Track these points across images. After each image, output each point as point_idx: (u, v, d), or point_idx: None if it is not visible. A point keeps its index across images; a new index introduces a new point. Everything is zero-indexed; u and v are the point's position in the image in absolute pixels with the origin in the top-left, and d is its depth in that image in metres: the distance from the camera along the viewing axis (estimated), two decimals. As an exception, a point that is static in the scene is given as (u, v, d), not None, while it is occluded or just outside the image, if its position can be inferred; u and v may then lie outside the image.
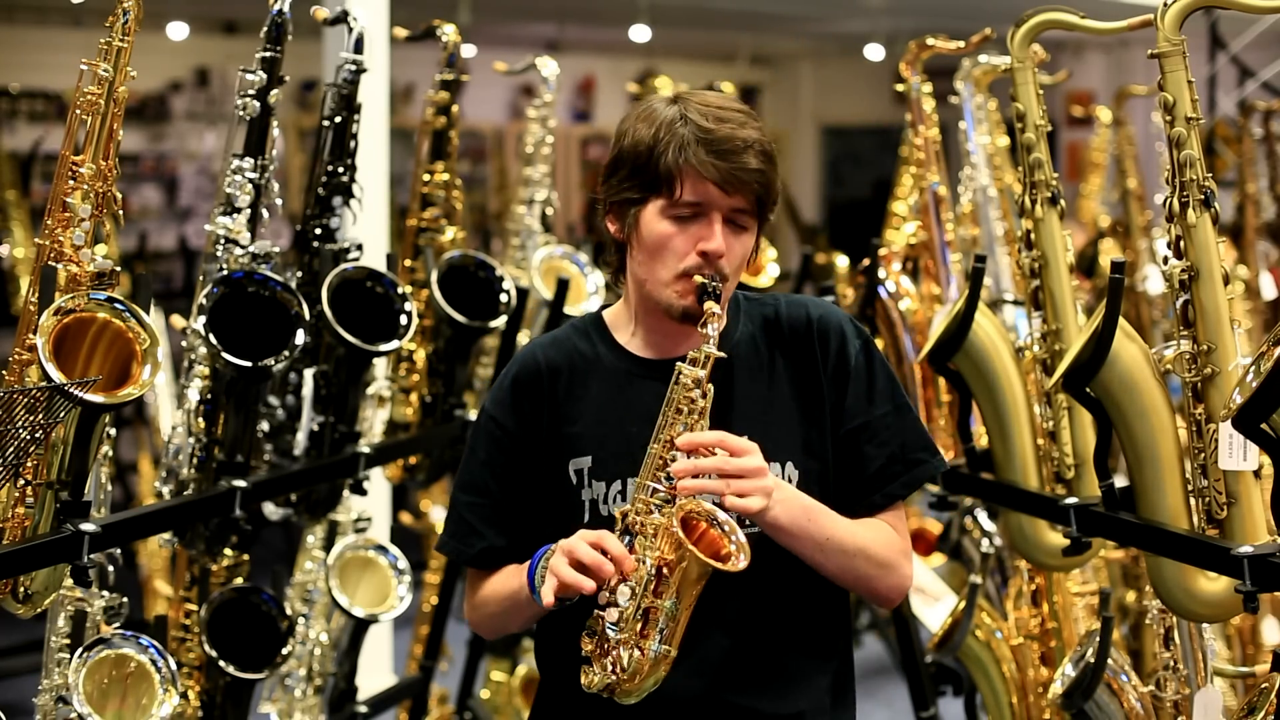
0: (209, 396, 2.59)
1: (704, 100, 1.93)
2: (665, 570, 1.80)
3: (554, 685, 2.05)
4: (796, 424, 1.97)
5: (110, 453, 2.46)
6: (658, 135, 1.91)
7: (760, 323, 2.03)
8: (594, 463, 1.96)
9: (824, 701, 2.00)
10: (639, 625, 1.80)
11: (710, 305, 1.88)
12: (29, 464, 2.10)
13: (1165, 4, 2.15)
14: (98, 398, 2.03)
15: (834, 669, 2.03)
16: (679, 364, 1.88)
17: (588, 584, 1.79)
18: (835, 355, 2.00)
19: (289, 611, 2.89)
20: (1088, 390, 2.23)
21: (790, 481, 1.95)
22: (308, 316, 2.58)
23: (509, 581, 1.99)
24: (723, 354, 1.88)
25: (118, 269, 2.27)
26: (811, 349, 2.00)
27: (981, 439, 2.68)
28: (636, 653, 1.80)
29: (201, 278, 2.64)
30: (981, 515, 3.33)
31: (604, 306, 2.11)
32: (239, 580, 2.89)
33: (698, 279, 1.90)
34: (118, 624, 2.45)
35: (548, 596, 1.82)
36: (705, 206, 1.90)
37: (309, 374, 2.86)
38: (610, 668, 1.81)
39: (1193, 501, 2.20)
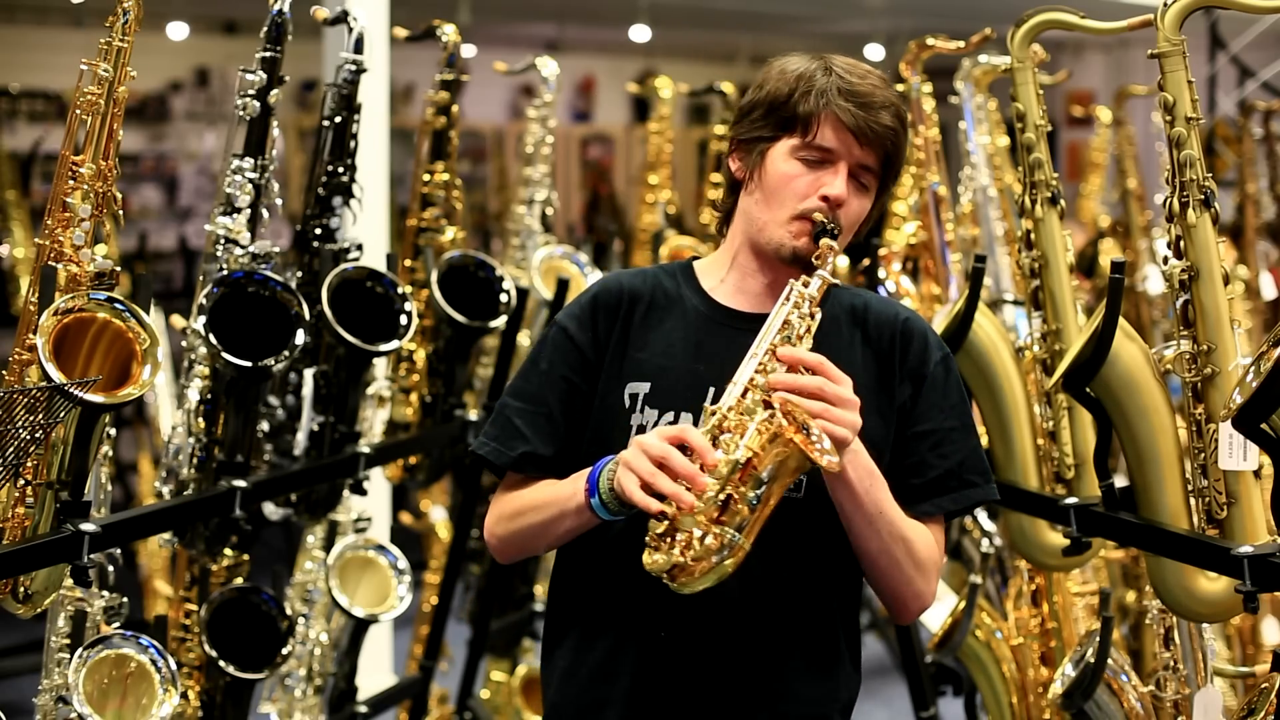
0: (209, 396, 2.59)
1: (848, 61, 1.98)
2: (754, 461, 1.74)
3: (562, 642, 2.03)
4: (866, 411, 1.93)
5: (110, 453, 2.46)
6: (800, 78, 1.95)
7: (848, 309, 2.03)
8: (651, 389, 1.95)
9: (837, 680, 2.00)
10: (716, 511, 1.73)
11: (826, 242, 1.90)
12: (29, 464, 2.10)
13: (1165, 4, 2.15)
14: (98, 398, 2.03)
15: (838, 641, 2.02)
16: (792, 281, 1.89)
17: (671, 487, 1.72)
18: (915, 357, 2.00)
19: (289, 611, 2.89)
20: (1088, 390, 2.23)
21: None
22: (308, 316, 2.58)
23: (558, 489, 1.92)
24: (836, 280, 1.90)
25: (118, 269, 2.27)
26: (893, 345, 2.00)
27: (982, 439, 2.68)
28: (710, 539, 1.73)
29: (201, 278, 2.64)
30: (981, 515, 3.33)
31: (695, 257, 2.11)
32: (239, 580, 2.89)
33: (816, 217, 1.92)
34: (118, 624, 2.45)
35: (636, 495, 1.74)
36: (835, 154, 1.93)
37: (309, 374, 2.86)
38: (679, 549, 1.74)
39: (1193, 501, 2.20)
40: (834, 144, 1.93)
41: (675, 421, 1.92)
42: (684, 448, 1.77)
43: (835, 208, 1.93)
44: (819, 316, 1.88)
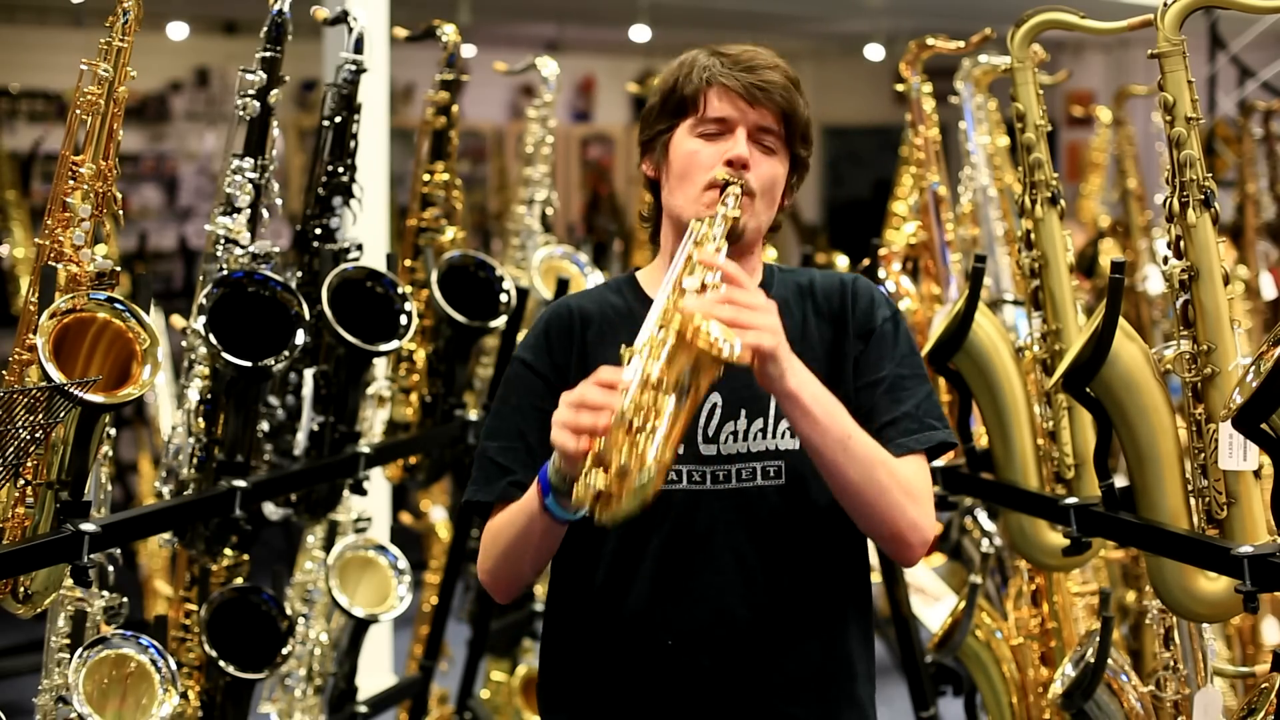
0: (209, 396, 2.59)
1: (734, 45, 2.01)
2: (663, 375, 1.70)
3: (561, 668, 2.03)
4: (828, 381, 1.91)
5: (110, 453, 2.45)
6: (683, 64, 2.00)
7: (794, 289, 2.04)
8: None
9: (850, 663, 2.00)
10: (632, 423, 1.67)
11: (731, 188, 1.91)
12: (29, 464, 2.10)
13: (1165, 4, 2.15)
14: (98, 398, 2.03)
15: (855, 628, 2.02)
16: (692, 220, 1.91)
17: (598, 420, 1.68)
18: (863, 314, 2.01)
19: (289, 611, 2.88)
20: (1088, 390, 2.23)
21: None
22: (308, 316, 2.58)
23: (524, 499, 1.90)
24: (737, 213, 1.90)
25: (118, 269, 2.27)
26: (843, 309, 2.02)
27: (981, 439, 2.68)
28: (630, 452, 1.67)
29: (201, 278, 2.64)
30: (981, 515, 3.33)
31: (637, 269, 2.12)
32: (239, 580, 2.89)
33: (719, 175, 1.93)
34: (118, 624, 2.45)
35: (569, 444, 1.70)
36: (730, 120, 1.95)
37: (309, 374, 2.86)
38: (599, 473, 1.67)
39: (1193, 501, 2.20)
40: (726, 111, 1.96)
41: None
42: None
43: (741, 168, 1.94)
44: (725, 247, 1.87)
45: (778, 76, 1.97)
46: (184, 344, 2.64)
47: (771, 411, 1.94)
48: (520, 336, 3.32)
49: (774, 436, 1.94)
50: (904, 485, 1.89)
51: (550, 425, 1.82)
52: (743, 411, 1.94)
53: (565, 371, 2.00)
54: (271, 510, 2.96)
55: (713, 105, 1.96)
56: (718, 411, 1.94)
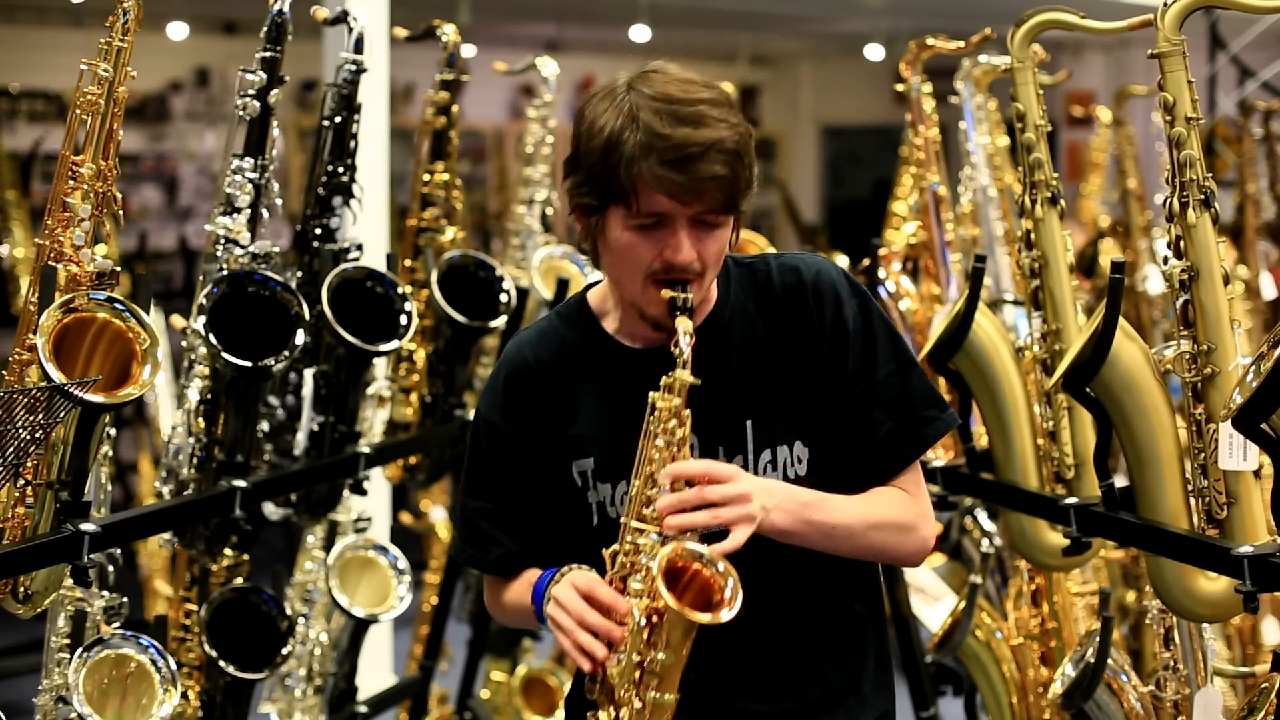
0: (209, 396, 2.59)
1: (661, 92, 1.79)
2: (655, 619, 1.74)
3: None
4: (801, 399, 1.92)
5: (110, 453, 2.45)
6: (610, 142, 1.78)
7: (753, 292, 1.96)
8: (596, 464, 1.93)
9: (860, 685, 2.00)
10: (636, 675, 1.76)
11: (682, 323, 1.80)
12: (29, 464, 2.10)
13: (1165, 4, 2.15)
14: (98, 398, 2.03)
15: (869, 650, 2.01)
16: (652, 394, 1.81)
17: (600, 651, 1.76)
18: (832, 319, 1.92)
19: (289, 611, 2.89)
20: (1088, 390, 2.23)
21: (799, 461, 1.91)
22: (308, 316, 2.58)
23: (524, 596, 1.95)
24: (696, 380, 1.79)
25: (118, 269, 2.27)
26: (807, 315, 1.93)
27: (981, 439, 2.68)
28: (637, 703, 1.77)
29: (201, 278, 2.64)
30: (981, 515, 3.33)
31: (591, 285, 2.04)
32: (239, 580, 2.89)
33: (665, 294, 1.82)
34: (118, 624, 2.45)
35: (573, 654, 1.79)
36: (667, 215, 1.81)
37: (309, 374, 2.86)
38: (615, 714, 1.79)
39: (1193, 501, 2.20)
40: (661, 209, 1.80)
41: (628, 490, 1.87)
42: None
43: (683, 267, 1.82)
44: (688, 417, 1.81)
45: (717, 166, 1.77)
46: (184, 344, 2.64)
47: (750, 445, 1.91)
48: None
49: (758, 472, 1.91)
50: (897, 524, 1.92)
51: (520, 482, 1.96)
52: (720, 450, 1.91)
53: (532, 428, 1.96)
54: (271, 510, 2.96)
55: (646, 202, 1.79)
56: (695, 451, 1.88)
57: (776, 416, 1.90)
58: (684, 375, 1.79)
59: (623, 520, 1.83)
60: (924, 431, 1.96)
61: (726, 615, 1.71)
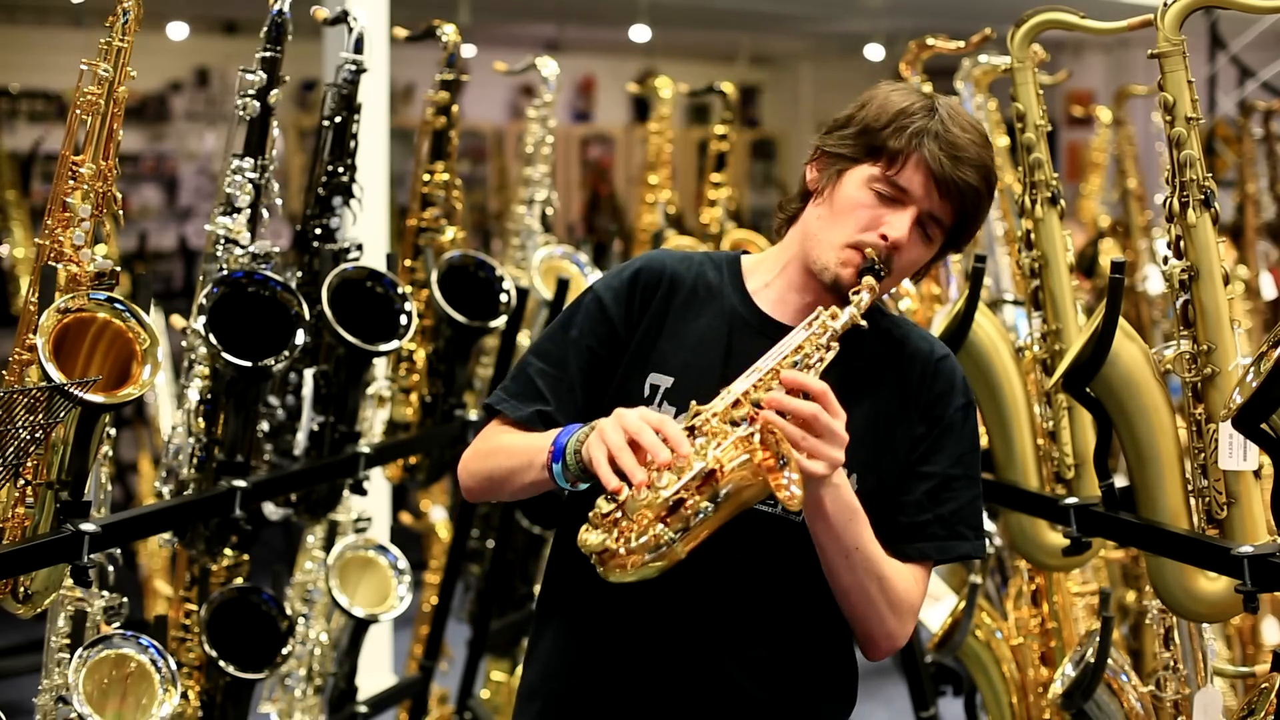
0: (209, 396, 2.59)
1: (954, 107, 1.93)
2: (717, 474, 1.71)
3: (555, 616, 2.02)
4: (879, 443, 1.93)
5: (110, 453, 2.45)
6: (901, 112, 1.89)
7: (885, 336, 1.99)
8: (674, 385, 1.92)
9: (826, 691, 1.99)
10: (665, 510, 1.70)
11: (869, 280, 1.85)
12: (29, 464, 2.10)
13: (1165, 4, 2.15)
14: (98, 398, 2.03)
15: (838, 674, 2.01)
16: (820, 309, 1.85)
17: (639, 473, 1.70)
18: (937, 396, 1.96)
19: (289, 611, 2.89)
20: (1088, 390, 2.23)
21: None
22: (308, 316, 2.58)
23: (533, 439, 1.90)
24: (864, 322, 1.84)
25: (118, 269, 2.26)
26: (921, 382, 1.96)
27: (982, 439, 2.68)
28: (647, 535, 1.70)
29: (201, 278, 2.64)
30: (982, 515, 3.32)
31: (744, 252, 2.07)
32: (239, 580, 2.89)
33: (868, 252, 1.87)
34: (118, 624, 2.45)
35: (602, 469, 1.71)
36: (910, 196, 1.88)
37: (309, 374, 2.86)
38: (615, 534, 1.71)
39: (1193, 501, 2.20)
40: (912, 186, 1.88)
41: None
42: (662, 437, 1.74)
43: (892, 249, 1.88)
44: (835, 350, 1.83)
45: (976, 179, 1.89)
46: (184, 344, 2.64)
47: None
48: (520, 337, 3.33)
49: None
50: (893, 600, 1.90)
51: (595, 366, 1.92)
52: None
53: (635, 327, 1.96)
54: (271, 510, 2.96)
55: (905, 173, 1.88)
56: None
57: (851, 443, 1.84)
58: (856, 313, 1.83)
59: (725, 389, 1.80)
60: (953, 543, 1.96)
61: (791, 503, 1.67)
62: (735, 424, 1.76)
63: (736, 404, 1.78)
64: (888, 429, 1.94)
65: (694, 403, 1.80)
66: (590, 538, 1.73)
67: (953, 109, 1.92)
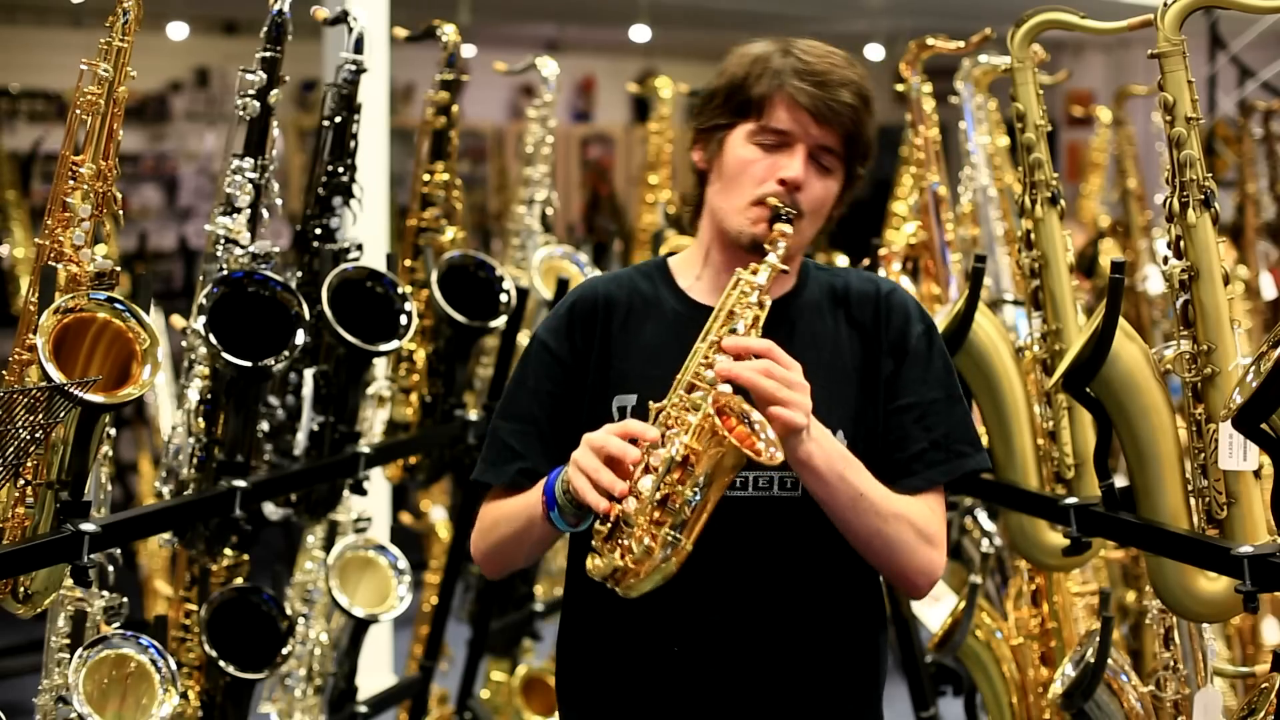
0: (209, 396, 2.59)
1: (810, 42, 1.94)
2: (691, 459, 1.71)
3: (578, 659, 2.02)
4: (853, 393, 1.93)
5: (110, 453, 2.45)
6: (756, 60, 1.92)
7: (827, 290, 2.00)
8: (639, 402, 1.92)
9: (850, 692, 2.00)
10: (655, 512, 1.71)
11: (781, 227, 1.86)
12: (29, 464, 2.10)
13: (1165, 4, 2.15)
14: (98, 398, 2.03)
15: (864, 659, 2.01)
16: (739, 270, 1.85)
17: (619, 485, 1.71)
18: (897, 331, 1.97)
19: (289, 611, 2.89)
20: (1088, 390, 2.23)
21: None
22: (308, 316, 2.58)
23: (526, 497, 1.91)
24: (785, 267, 1.85)
25: (118, 269, 2.26)
26: (876, 320, 1.97)
27: (982, 439, 2.68)
28: (648, 540, 1.70)
29: (201, 278, 2.64)
30: (981, 515, 3.33)
31: (670, 254, 2.08)
32: (239, 580, 2.89)
33: (771, 201, 1.88)
34: (118, 624, 2.45)
35: (589, 495, 1.73)
36: (792, 136, 1.89)
37: (309, 374, 2.86)
38: (619, 553, 1.72)
39: (1193, 501, 2.20)
40: (789, 125, 1.89)
41: None
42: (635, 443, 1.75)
43: (794, 190, 1.89)
44: (768, 304, 1.84)
45: (849, 96, 1.89)
46: (184, 344, 2.64)
47: None
48: (520, 337, 3.33)
49: None
50: (918, 531, 1.90)
51: (562, 407, 1.91)
52: None
53: (585, 357, 1.97)
54: (271, 510, 2.96)
55: (777, 115, 1.89)
56: None
57: (825, 400, 1.88)
58: (775, 261, 1.84)
59: (677, 378, 1.81)
60: (956, 462, 1.97)
61: (772, 457, 1.68)
62: (696, 407, 1.76)
63: (691, 388, 1.78)
64: (860, 378, 1.95)
65: (651, 403, 1.81)
66: (598, 564, 1.75)
67: (808, 43, 1.93)
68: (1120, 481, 2.29)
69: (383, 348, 2.81)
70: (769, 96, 1.89)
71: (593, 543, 1.76)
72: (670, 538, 1.71)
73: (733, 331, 1.81)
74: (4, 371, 2.20)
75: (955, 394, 2.00)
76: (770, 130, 1.90)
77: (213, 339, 2.47)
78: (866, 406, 1.94)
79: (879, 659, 2.05)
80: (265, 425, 2.83)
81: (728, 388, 1.74)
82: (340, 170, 2.91)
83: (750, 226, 1.90)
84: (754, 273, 1.85)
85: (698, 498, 1.71)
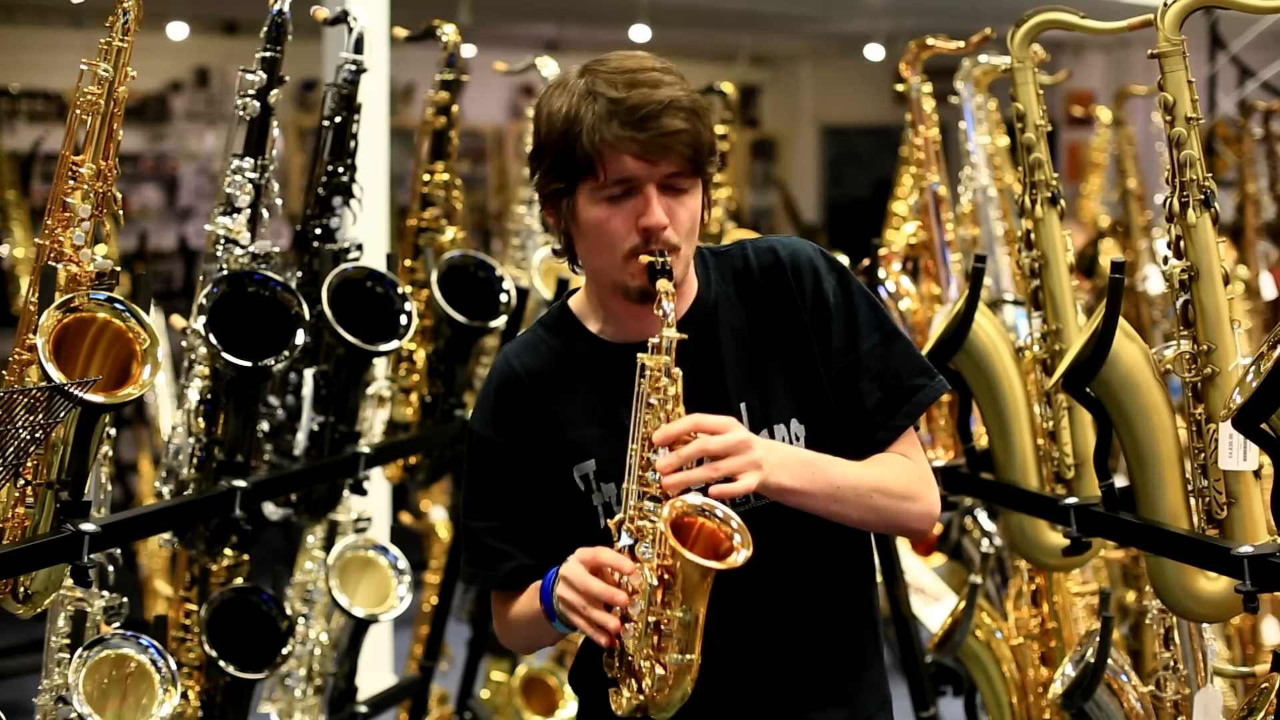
0: (209, 396, 2.59)
1: (614, 66, 1.81)
2: (668, 577, 1.73)
3: (592, 705, 2.01)
4: (791, 378, 1.91)
5: (110, 453, 2.45)
6: (569, 117, 1.79)
7: (732, 277, 1.96)
8: (598, 465, 1.91)
9: (854, 673, 2.00)
10: (654, 639, 1.74)
11: (662, 284, 1.79)
12: (29, 464, 2.10)
13: (1165, 4, 2.15)
14: (98, 398, 2.03)
15: (859, 638, 2.01)
16: (640, 355, 1.80)
17: (612, 621, 1.74)
18: (812, 295, 1.92)
19: (289, 611, 2.89)
20: (1088, 390, 2.23)
21: (797, 439, 1.90)
22: (308, 316, 2.58)
23: (530, 603, 1.92)
24: (683, 335, 1.79)
25: (118, 269, 2.26)
26: (788, 292, 1.93)
27: (981, 439, 2.68)
28: (659, 668, 1.73)
29: (201, 278, 2.64)
30: (981, 515, 3.33)
31: (571, 293, 2.04)
32: (239, 580, 2.89)
33: (643, 258, 1.81)
34: (118, 624, 2.45)
35: (588, 631, 1.77)
36: (635, 182, 1.80)
37: (309, 374, 2.86)
38: (636, 686, 1.76)
39: (1193, 501, 2.20)
40: (629, 173, 1.79)
41: None
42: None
43: (658, 232, 1.81)
44: (678, 373, 1.79)
45: (676, 120, 1.78)
46: (184, 344, 2.64)
47: (746, 427, 1.88)
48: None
49: None
50: (901, 491, 1.90)
51: (522, 494, 1.93)
52: None
53: (528, 439, 1.95)
54: (271, 510, 2.96)
55: (613, 168, 1.79)
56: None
57: (770, 396, 1.89)
58: (670, 332, 1.79)
59: (624, 487, 1.80)
60: (914, 399, 1.94)
61: (737, 559, 1.70)
62: (656, 500, 1.77)
63: (641, 495, 1.78)
64: (795, 359, 1.92)
65: (609, 521, 1.81)
66: (624, 701, 1.78)
67: (613, 68, 1.80)
68: (1120, 481, 2.29)
69: (383, 348, 2.81)
70: (597, 154, 1.78)
71: (607, 674, 1.80)
72: (678, 660, 1.74)
73: (659, 417, 1.79)
74: (4, 371, 2.20)
75: (889, 330, 1.96)
76: (612, 183, 1.81)
77: (213, 339, 2.47)
78: (808, 386, 1.92)
79: (873, 616, 2.05)
80: (265, 425, 2.83)
81: (675, 488, 1.75)
82: (340, 170, 2.91)
83: (632, 282, 1.85)
84: (654, 350, 1.79)
85: (689, 611, 1.73)
